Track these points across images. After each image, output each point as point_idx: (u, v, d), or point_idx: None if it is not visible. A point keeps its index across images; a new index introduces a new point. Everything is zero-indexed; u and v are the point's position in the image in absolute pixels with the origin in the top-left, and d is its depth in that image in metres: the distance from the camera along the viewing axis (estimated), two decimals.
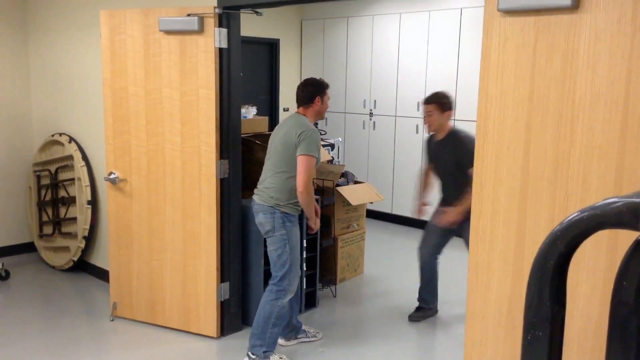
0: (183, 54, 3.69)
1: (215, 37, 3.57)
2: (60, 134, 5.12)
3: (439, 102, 3.90)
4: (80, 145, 4.96)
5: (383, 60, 6.88)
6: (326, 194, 4.66)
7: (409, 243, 6.15)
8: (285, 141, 3.37)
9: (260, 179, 3.53)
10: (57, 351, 3.69)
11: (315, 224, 3.57)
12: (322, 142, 4.90)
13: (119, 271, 4.13)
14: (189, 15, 3.57)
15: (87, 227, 4.84)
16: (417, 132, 6.59)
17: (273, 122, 6.63)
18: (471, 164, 2.47)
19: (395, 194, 6.86)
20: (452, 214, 3.84)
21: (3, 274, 4.92)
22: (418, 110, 6.46)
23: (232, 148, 3.80)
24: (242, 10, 3.70)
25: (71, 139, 5.01)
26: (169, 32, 3.69)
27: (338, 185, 4.78)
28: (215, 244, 3.78)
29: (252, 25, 6.20)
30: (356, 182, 5.12)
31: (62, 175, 5.14)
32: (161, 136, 3.84)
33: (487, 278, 2.45)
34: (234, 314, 3.96)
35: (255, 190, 3.54)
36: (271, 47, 7.39)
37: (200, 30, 3.57)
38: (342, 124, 7.38)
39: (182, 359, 3.62)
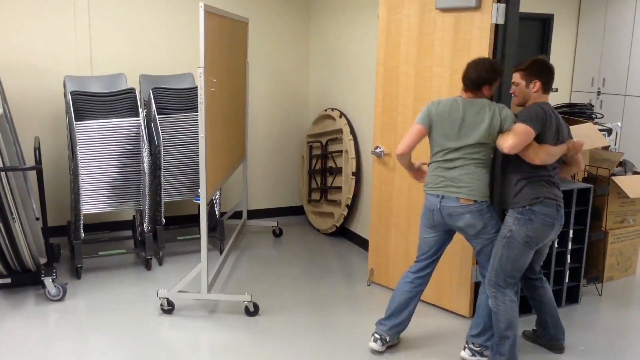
0: (456, 31, 3.67)
1: (492, 13, 3.47)
2: (332, 109, 5.54)
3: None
4: (349, 120, 5.31)
5: None
6: (600, 182, 4.25)
7: None
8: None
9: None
10: (319, 306, 4.06)
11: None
12: (600, 127, 4.46)
13: (378, 241, 4.35)
14: None
15: (350, 196, 5.19)
16: None
17: None
18: None
19: None
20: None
21: (277, 231, 5.58)
22: None
23: None
24: None
25: (341, 114, 5.39)
26: (444, 10, 3.70)
27: (614, 174, 4.32)
28: None
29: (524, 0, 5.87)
30: (636, 173, 4.56)
31: (332, 147, 5.57)
32: None
33: None
34: None
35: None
36: (543, 23, 6.91)
37: (477, 6, 3.51)
38: (621, 107, 6.62)
39: (432, 333, 3.69)
